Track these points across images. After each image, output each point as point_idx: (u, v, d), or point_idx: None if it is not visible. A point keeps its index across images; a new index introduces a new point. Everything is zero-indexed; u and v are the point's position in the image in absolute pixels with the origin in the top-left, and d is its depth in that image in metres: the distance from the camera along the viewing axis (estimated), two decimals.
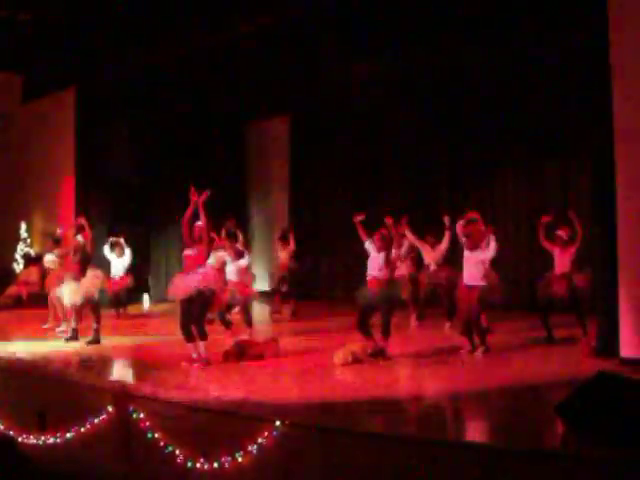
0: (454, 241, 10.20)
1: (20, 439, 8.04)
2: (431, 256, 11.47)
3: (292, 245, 13.49)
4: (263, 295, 14.55)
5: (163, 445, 6.62)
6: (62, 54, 15.57)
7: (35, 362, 9.29)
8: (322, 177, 17.02)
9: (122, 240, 13.46)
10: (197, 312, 8.58)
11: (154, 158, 16.58)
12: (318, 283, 16.72)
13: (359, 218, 9.16)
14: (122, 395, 7.27)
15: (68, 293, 10.56)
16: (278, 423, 6.00)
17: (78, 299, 10.46)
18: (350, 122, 16.11)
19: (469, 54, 13.06)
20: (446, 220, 10.59)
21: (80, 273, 10.53)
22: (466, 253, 9.14)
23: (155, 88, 15.91)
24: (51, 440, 7.71)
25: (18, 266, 17.29)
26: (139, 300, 15.68)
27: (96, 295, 10.65)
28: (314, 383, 7.73)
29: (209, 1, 12.86)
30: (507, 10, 11.64)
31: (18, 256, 17.48)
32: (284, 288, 13.65)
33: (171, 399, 7.09)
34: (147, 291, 16.21)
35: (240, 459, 6.10)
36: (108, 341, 10.60)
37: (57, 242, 12.37)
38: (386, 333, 8.76)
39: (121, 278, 13.28)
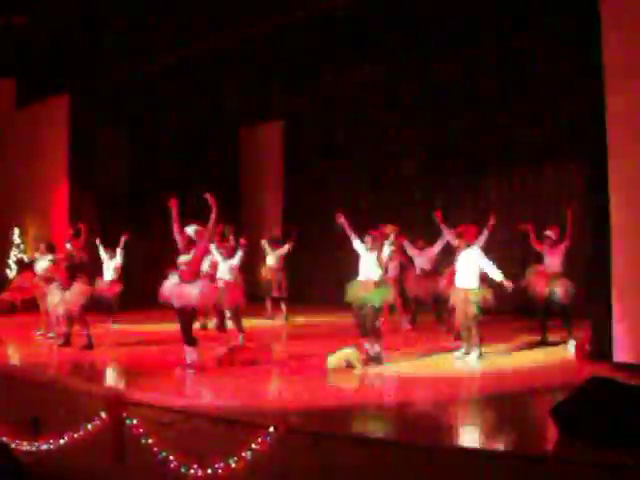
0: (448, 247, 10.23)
1: (13, 445, 8.00)
2: (419, 261, 11.50)
3: (285, 249, 13.49)
4: (255, 299, 14.52)
5: (157, 451, 6.60)
6: (56, 60, 15.56)
7: (28, 368, 9.26)
8: (316, 181, 17.04)
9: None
10: (187, 320, 8.57)
11: (148, 164, 16.57)
12: (311, 287, 16.73)
13: (341, 220, 9.01)
14: (116, 401, 7.25)
15: (55, 300, 10.51)
16: (272, 429, 5.99)
17: (64, 307, 10.40)
18: (344, 127, 16.15)
19: (465, 59, 13.13)
20: (438, 215, 10.47)
21: (67, 281, 10.48)
22: (460, 255, 9.13)
23: (149, 94, 15.92)
24: (45, 446, 7.68)
25: (11, 272, 17.22)
26: (131, 306, 15.59)
27: (83, 304, 10.49)
28: (307, 388, 7.72)
29: (204, 7, 12.87)
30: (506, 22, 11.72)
31: (11, 262, 17.43)
32: (275, 292, 13.62)
33: (165, 405, 7.07)
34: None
35: (234, 465, 6.08)
36: (101, 347, 10.56)
37: (50, 248, 12.33)
38: (375, 336, 8.76)
39: (111, 284, 13.20)
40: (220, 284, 10.08)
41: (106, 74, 15.10)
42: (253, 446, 6.01)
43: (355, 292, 8.87)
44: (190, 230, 8.62)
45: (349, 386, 7.97)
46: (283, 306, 13.50)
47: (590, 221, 8.68)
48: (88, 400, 7.68)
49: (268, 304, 13.76)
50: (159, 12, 13.23)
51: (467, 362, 8.88)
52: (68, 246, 10.68)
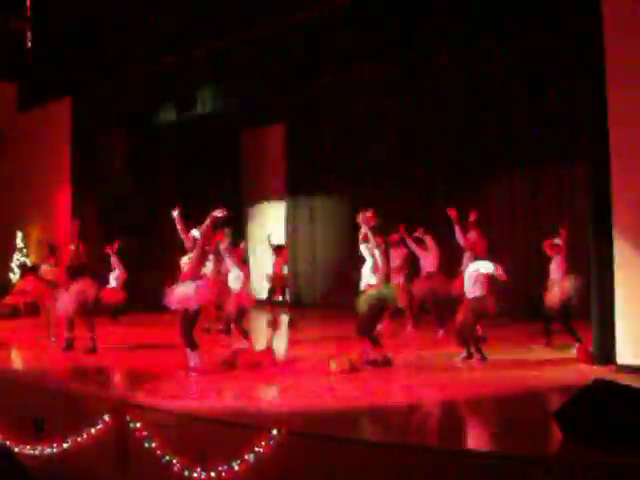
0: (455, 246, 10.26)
1: (17, 449, 8.00)
2: (425, 263, 11.50)
3: (286, 255, 13.48)
4: (259, 304, 14.51)
5: (160, 454, 6.61)
6: (57, 64, 15.57)
7: (32, 372, 9.27)
8: (319, 184, 17.01)
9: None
10: (188, 322, 8.57)
11: (150, 167, 16.56)
12: (314, 291, 16.71)
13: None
14: (119, 404, 7.25)
15: (59, 302, 10.51)
16: (275, 431, 5.99)
17: (69, 308, 10.40)
18: (346, 128, 16.13)
19: (468, 57, 13.10)
20: (453, 214, 10.48)
21: (70, 281, 10.48)
22: (467, 264, 9.28)
23: (150, 97, 15.90)
24: (48, 450, 7.69)
25: (15, 276, 17.24)
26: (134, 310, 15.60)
27: (88, 304, 10.54)
28: (311, 391, 7.71)
29: (206, 9, 12.87)
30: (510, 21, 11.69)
31: (14, 266, 17.45)
32: (279, 297, 13.61)
33: (168, 408, 7.08)
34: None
35: (237, 468, 6.09)
36: (105, 350, 10.57)
37: (52, 251, 12.35)
38: (374, 339, 8.79)
39: (113, 291, 13.20)
40: (229, 287, 10.10)
41: (106, 74, 15.10)
42: (256, 449, 6.01)
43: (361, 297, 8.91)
44: (196, 232, 8.68)
45: (353, 389, 7.96)
46: (286, 310, 13.49)
47: (592, 222, 8.67)
48: (91, 404, 7.70)
49: (271, 309, 13.74)
50: (159, 12, 13.24)
51: (469, 365, 8.88)
52: (72, 246, 10.67)
